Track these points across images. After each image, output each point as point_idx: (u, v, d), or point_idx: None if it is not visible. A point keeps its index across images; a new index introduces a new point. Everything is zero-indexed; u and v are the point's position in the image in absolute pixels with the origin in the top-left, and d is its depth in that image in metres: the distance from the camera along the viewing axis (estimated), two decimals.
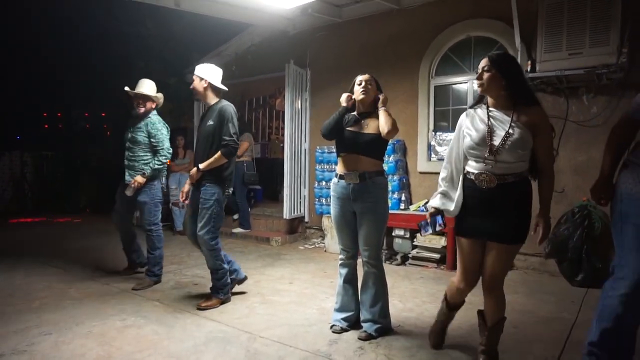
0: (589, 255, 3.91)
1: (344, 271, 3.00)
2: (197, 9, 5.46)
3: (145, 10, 8.40)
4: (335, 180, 2.95)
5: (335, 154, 3.19)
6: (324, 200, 5.87)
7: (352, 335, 2.88)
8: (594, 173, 4.24)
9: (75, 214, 9.25)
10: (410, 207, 5.14)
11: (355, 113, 2.92)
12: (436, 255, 4.72)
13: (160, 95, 4.15)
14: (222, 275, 3.47)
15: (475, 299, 3.65)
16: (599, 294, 2.17)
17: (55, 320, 3.10)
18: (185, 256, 5.06)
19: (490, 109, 2.27)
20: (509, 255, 2.33)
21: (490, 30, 4.85)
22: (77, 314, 3.25)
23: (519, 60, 4.32)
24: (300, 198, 6.37)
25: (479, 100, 2.37)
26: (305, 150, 6.41)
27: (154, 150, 4.01)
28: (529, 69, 4.28)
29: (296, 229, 6.45)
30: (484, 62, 2.24)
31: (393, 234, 4.98)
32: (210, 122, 3.41)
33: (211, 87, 3.48)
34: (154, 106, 4.09)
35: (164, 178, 4.34)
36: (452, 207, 2.34)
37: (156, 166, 3.98)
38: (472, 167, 2.28)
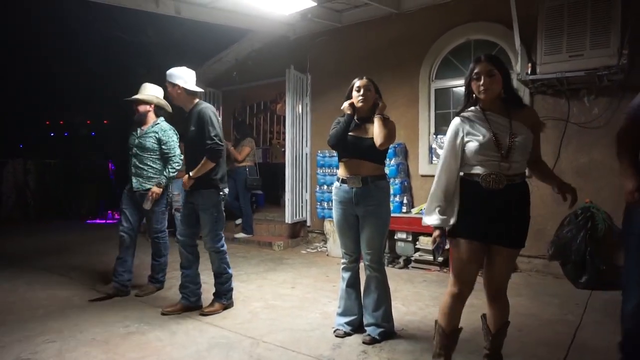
0: (592, 257, 3.89)
1: (346, 275, 2.99)
2: (197, 16, 5.49)
3: (146, 18, 8.46)
4: (337, 184, 2.96)
5: (336, 158, 3.19)
6: (325, 204, 5.87)
7: (356, 339, 2.87)
8: (595, 175, 4.30)
9: (78, 221, 9.27)
10: (412, 210, 5.14)
11: (355, 118, 2.93)
12: (439, 258, 4.71)
13: (154, 97, 3.97)
14: (226, 280, 3.46)
15: (478, 302, 3.63)
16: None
17: (59, 328, 3.10)
18: None
19: (487, 112, 2.21)
20: (515, 259, 2.32)
21: (490, 33, 4.86)
22: (80, 321, 3.25)
23: (519, 62, 4.36)
24: (302, 202, 6.38)
25: (470, 104, 2.27)
26: (306, 154, 6.42)
27: (165, 158, 3.89)
28: (529, 72, 4.29)
29: (298, 233, 6.44)
30: (486, 66, 2.17)
31: (395, 237, 4.97)
32: (192, 128, 3.34)
33: (185, 91, 3.37)
34: (148, 108, 3.94)
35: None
36: (453, 219, 2.19)
37: (171, 174, 3.88)
38: (478, 169, 2.18)
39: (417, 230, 4.80)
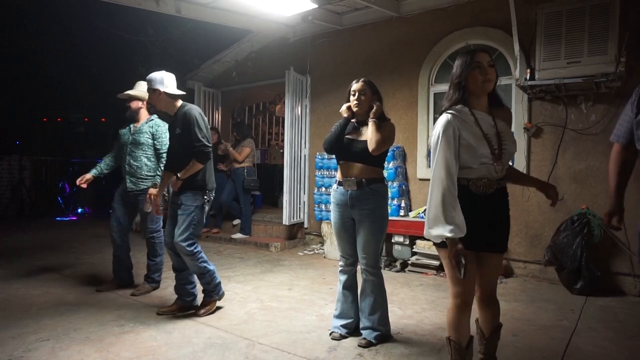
0: (588, 263, 3.92)
1: (343, 278, 2.99)
2: (197, 16, 5.49)
3: (147, 17, 8.46)
4: (335, 186, 2.97)
5: (334, 160, 3.19)
6: (323, 207, 5.88)
7: (352, 342, 2.87)
8: (592, 181, 4.32)
9: (73, 218, 9.23)
10: (410, 213, 5.15)
11: (354, 120, 2.94)
12: (436, 262, 4.71)
13: (146, 93, 3.84)
14: (210, 278, 3.39)
15: (474, 307, 3.63)
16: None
17: (53, 326, 3.09)
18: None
19: (474, 111, 2.06)
20: (502, 263, 2.29)
21: (490, 38, 4.88)
22: (74, 319, 3.23)
23: (518, 68, 4.38)
24: (299, 204, 6.37)
25: (458, 101, 2.07)
26: (305, 156, 6.42)
27: (157, 155, 3.91)
28: (528, 77, 4.31)
29: (295, 235, 6.44)
30: (486, 57, 2.04)
31: (392, 240, 4.98)
32: (178, 130, 3.30)
33: (167, 95, 3.32)
34: (140, 105, 3.95)
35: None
36: (464, 226, 1.95)
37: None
38: (467, 172, 2.05)
39: (415, 234, 4.82)
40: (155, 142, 3.90)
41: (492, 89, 2.08)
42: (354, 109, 2.88)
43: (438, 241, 2.01)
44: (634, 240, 3.06)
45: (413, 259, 4.87)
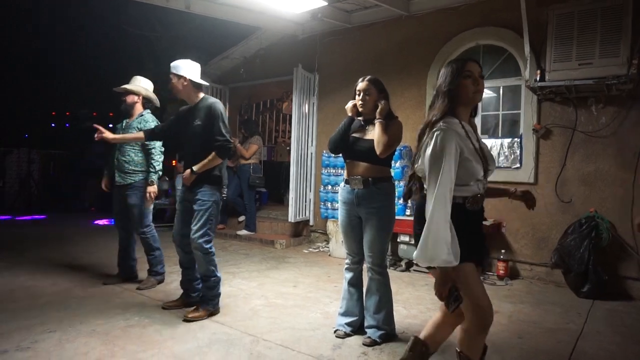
0: (595, 267, 3.89)
1: (349, 276, 2.99)
2: (207, 12, 5.50)
3: (155, 13, 8.48)
4: (342, 184, 2.96)
5: (341, 158, 3.19)
6: (329, 205, 5.87)
7: (356, 340, 2.87)
8: (601, 184, 4.29)
9: (81, 212, 9.29)
10: None
11: (360, 118, 2.93)
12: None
13: (143, 88, 4.00)
14: (214, 285, 3.26)
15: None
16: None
17: (60, 318, 3.11)
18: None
19: (463, 123, 1.93)
20: None
21: (500, 39, 4.85)
22: (81, 312, 3.26)
23: (528, 69, 4.35)
24: (305, 202, 6.37)
25: (448, 112, 1.91)
26: (311, 154, 6.41)
27: (146, 151, 3.90)
28: (538, 78, 4.28)
29: (301, 232, 6.45)
30: (477, 68, 1.95)
31: (398, 239, 4.97)
32: (198, 122, 3.20)
33: (192, 83, 3.26)
34: (136, 99, 3.96)
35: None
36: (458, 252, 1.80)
37: (157, 168, 3.89)
38: (463, 190, 1.89)
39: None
40: None
41: (478, 102, 1.99)
42: (359, 109, 2.87)
43: (442, 265, 1.79)
44: None
45: None
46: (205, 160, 3.16)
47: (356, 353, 2.69)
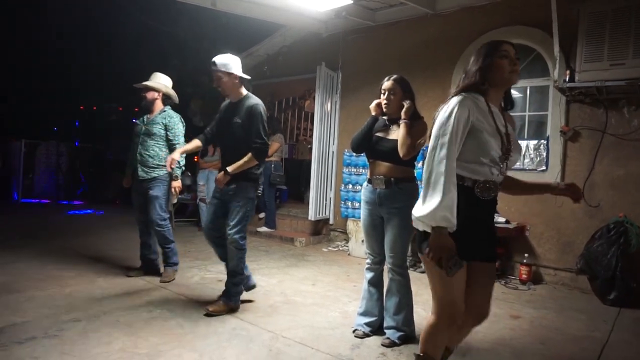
0: (623, 274, 3.77)
1: (369, 275, 2.98)
2: (232, 9, 5.54)
3: (181, 10, 8.59)
4: (365, 184, 2.96)
5: (363, 157, 3.18)
6: (349, 204, 5.85)
7: (375, 340, 2.86)
8: (631, 189, 4.16)
9: (106, 204, 9.51)
10: None
11: (385, 117, 2.91)
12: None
13: (163, 85, 4.06)
14: (239, 281, 3.29)
15: (500, 311, 3.56)
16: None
17: (85, 308, 3.19)
18: (211, 252, 5.10)
19: (490, 104, 1.83)
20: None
21: (528, 38, 4.74)
22: (105, 302, 3.33)
23: (557, 69, 4.24)
24: (326, 200, 6.37)
25: (475, 88, 1.81)
26: (333, 152, 6.41)
27: (170, 146, 3.96)
28: (567, 79, 4.17)
29: (320, 230, 6.45)
30: (513, 50, 1.83)
31: None
32: (238, 120, 3.17)
33: (241, 80, 3.22)
34: (156, 96, 4.02)
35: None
36: (455, 220, 1.70)
37: (181, 163, 3.95)
38: (472, 171, 1.79)
39: None
40: (168, 133, 3.99)
41: (515, 83, 1.88)
42: (384, 108, 2.85)
43: (425, 228, 1.73)
44: None
45: None
46: (241, 162, 3.13)
47: (375, 354, 2.68)
